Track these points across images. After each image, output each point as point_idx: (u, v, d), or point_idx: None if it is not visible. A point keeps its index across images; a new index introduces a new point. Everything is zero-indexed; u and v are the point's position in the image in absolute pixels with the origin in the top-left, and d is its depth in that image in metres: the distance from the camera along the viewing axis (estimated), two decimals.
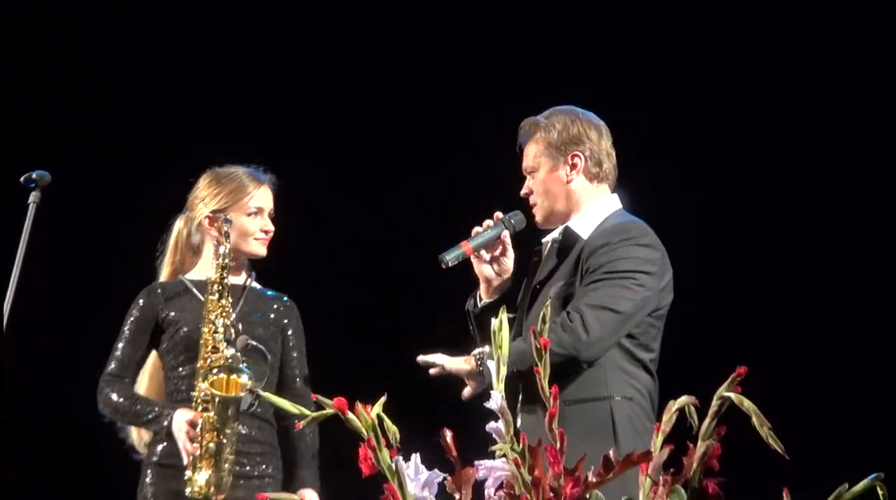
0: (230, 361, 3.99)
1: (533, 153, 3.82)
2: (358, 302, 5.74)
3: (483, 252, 3.82)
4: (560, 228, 3.79)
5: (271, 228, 4.26)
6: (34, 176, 3.89)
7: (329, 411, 2.14)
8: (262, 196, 4.27)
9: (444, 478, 2.14)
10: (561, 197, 3.78)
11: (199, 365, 4.06)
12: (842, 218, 5.54)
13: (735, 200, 5.71)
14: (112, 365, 4.22)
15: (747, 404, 2.09)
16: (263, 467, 4.15)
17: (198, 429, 3.97)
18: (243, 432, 4.10)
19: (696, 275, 5.25)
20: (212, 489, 3.93)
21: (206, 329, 4.07)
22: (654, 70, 5.77)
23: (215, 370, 4.00)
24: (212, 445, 3.96)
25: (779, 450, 2.10)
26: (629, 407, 3.57)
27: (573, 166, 3.78)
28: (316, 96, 5.98)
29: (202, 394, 4.01)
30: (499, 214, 3.83)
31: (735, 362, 2.14)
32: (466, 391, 3.62)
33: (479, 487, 2.16)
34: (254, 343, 4.10)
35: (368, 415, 2.12)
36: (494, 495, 2.14)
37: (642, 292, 3.60)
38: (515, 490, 2.10)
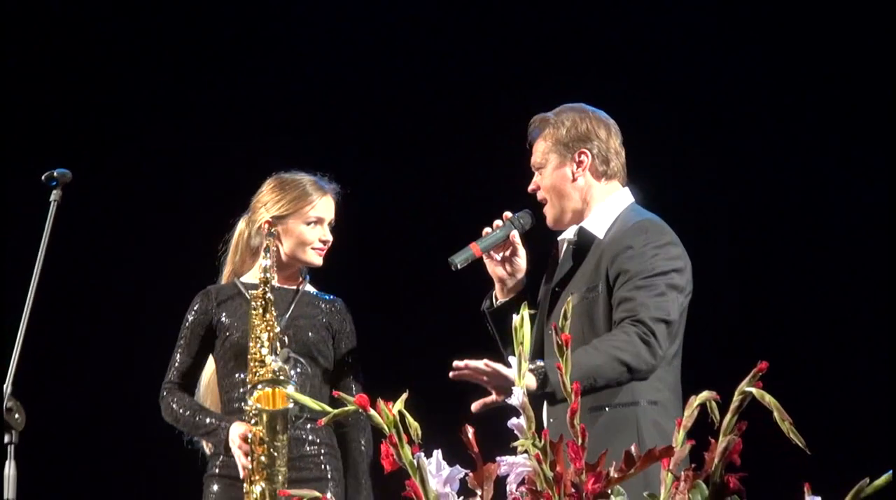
0: (277, 374, 4.00)
1: (541, 150, 3.81)
2: (375, 300, 5.75)
3: (493, 253, 3.82)
4: (574, 229, 3.78)
5: (329, 238, 4.26)
6: (56, 174, 3.87)
7: (350, 407, 2.15)
8: (323, 206, 4.26)
9: (466, 474, 2.15)
10: (569, 194, 3.77)
11: (248, 380, 4.07)
12: (850, 214, 5.54)
13: (748, 194, 5.70)
14: (171, 373, 4.24)
15: (769, 399, 2.10)
16: (323, 468, 4.15)
17: (249, 442, 3.98)
18: (301, 437, 4.11)
19: (716, 270, 5.25)
20: None
21: (252, 344, 4.08)
22: (664, 68, 5.77)
23: (260, 385, 4.01)
24: (263, 458, 3.97)
25: (800, 445, 2.11)
26: (654, 412, 3.56)
27: (580, 164, 3.76)
28: (326, 94, 5.99)
29: (252, 409, 4.02)
30: (507, 214, 3.82)
31: (755, 358, 2.15)
32: (478, 404, 3.45)
33: (500, 483, 2.16)
34: (294, 356, 4.10)
35: (390, 411, 2.13)
36: (516, 490, 2.14)
37: (679, 295, 3.61)
38: (537, 486, 2.11)
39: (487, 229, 3.81)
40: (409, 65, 6.00)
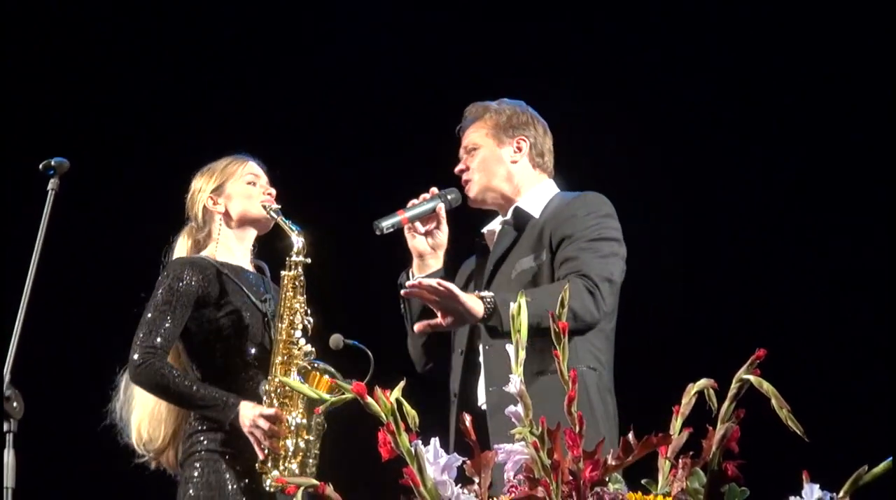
0: (307, 357, 3.95)
1: (479, 132, 3.89)
2: (370, 290, 5.76)
3: (418, 224, 3.86)
4: (510, 210, 3.82)
5: (272, 190, 4.20)
6: (53, 163, 3.86)
7: (348, 395, 2.15)
8: (253, 167, 4.23)
9: (464, 462, 2.15)
10: (501, 175, 3.85)
11: (277, 361, 3.99)
12: (852, 209, 5.54)
13: (747, 192, 5.71)
14: (157, 338, 4.01)
15: (766, 387, 2.10)
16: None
17: (282, 426, 3.89)
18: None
19: (716, 259, 5.26)
20: None
21: (282, 325, 4.01)
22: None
23: (296, 369, 3.95)
24: (301, 443, 3.91)
25: (798, 432, 2.11)
26: (595, 377, 3.61)
27: (518, 149, 3.85)
28: (325, 94, 6.00)
29: (276, 390, 3.94)
30: (434, 189, 3.88)
31: (753, 347, 2.15)
32: (422, 324, 3.48)
33: (498, 470, 2.16)
34: (349, 342, 4.03)
35: (388, 399, 2.13)
36: (514, 478, 2.14)
37: (620, 262, 3.68)
38: (535, 474, 2.10)
39: (414, 201, 3.85)
40: (361, 51, 6.02)
